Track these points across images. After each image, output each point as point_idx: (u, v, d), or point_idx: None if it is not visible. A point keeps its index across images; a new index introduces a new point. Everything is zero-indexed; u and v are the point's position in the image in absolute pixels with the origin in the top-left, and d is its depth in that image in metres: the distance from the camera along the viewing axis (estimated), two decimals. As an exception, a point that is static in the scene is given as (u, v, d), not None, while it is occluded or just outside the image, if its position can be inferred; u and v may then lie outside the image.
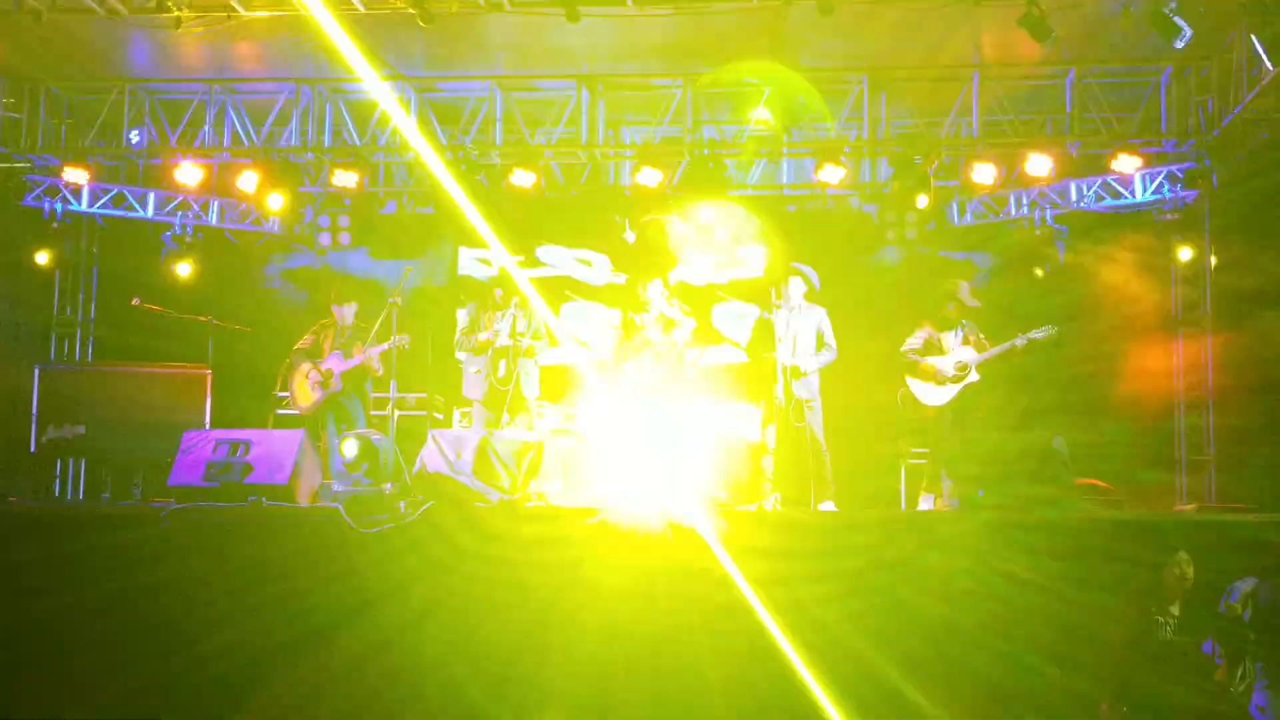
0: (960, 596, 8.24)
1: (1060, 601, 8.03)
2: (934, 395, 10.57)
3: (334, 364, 11.03)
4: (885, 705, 8.01)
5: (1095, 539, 8.24)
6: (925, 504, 10.41)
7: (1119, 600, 7.00)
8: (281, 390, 12.19)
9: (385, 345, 10.63)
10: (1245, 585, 7.59)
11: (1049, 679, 7.94)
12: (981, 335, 10.62)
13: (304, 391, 11.21)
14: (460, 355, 11.28)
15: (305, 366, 11.20)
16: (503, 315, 10.97)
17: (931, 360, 10.55)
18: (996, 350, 10.49)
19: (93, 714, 7.98)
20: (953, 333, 10.59)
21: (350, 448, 8.87)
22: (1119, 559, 7.90)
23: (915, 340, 10.74)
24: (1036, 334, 10.48)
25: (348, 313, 11.23)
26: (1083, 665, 7.76)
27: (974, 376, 10.45)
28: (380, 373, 10.84)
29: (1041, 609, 8.11)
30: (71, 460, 14.21)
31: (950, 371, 10.43)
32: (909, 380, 10.75)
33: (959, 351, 10.52)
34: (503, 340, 10.83)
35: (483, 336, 10.86)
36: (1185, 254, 13.30)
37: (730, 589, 8.04)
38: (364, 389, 11.14)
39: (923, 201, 12.77)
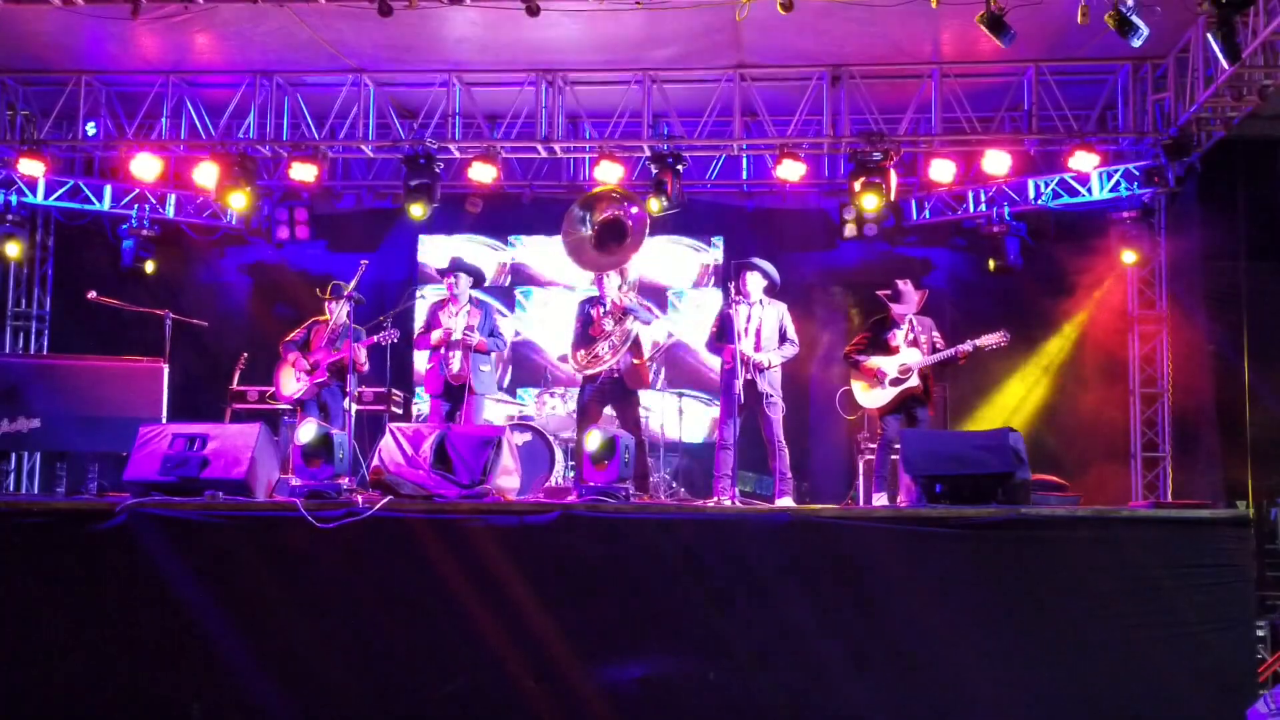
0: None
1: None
2: (872, 397, 10.46)
3: (320, 356, 11.02)
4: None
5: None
6: (879, 500, 10.41)
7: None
8: (239, 384, 12.14)
9: (373, 339, 10.62)
10: None
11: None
12: (935, 334, 10.53)
13: (289, 382, 11.20)
14: (418, 349, 11.23)
15: (293, 357, 11.18)
16: (456, 310, 10.93)
17: (875, 361, 10.44)
18: (941, 356, 10.32)
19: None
20: (899, 330, 10.48)
21: (307, 431, 8.79)
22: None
23: (861, 340, 10.66)
24: (986, 340, 10.27)
25: (341, 310, 11.13)
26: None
27: (915, 381, 10.36)
28: (365, 368, 10.83)
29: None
30: (26, 454, 14.14)
31: (892, 373, 10.36)
32: (852, 380, 10.69)
33: (905, 353, 10.41)
34: (456, 334, 10.79)
35: (439, 332, 10.81)
36: (1134, 255, 13.39)
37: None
38: (346, 383, 11.06)
39: (870, 202, 12.82)
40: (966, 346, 10.31)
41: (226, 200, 13.49)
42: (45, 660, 7.85)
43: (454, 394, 10.82)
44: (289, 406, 11.40)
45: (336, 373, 11.03)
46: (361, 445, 10.65)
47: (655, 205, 12.61)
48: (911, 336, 10.43)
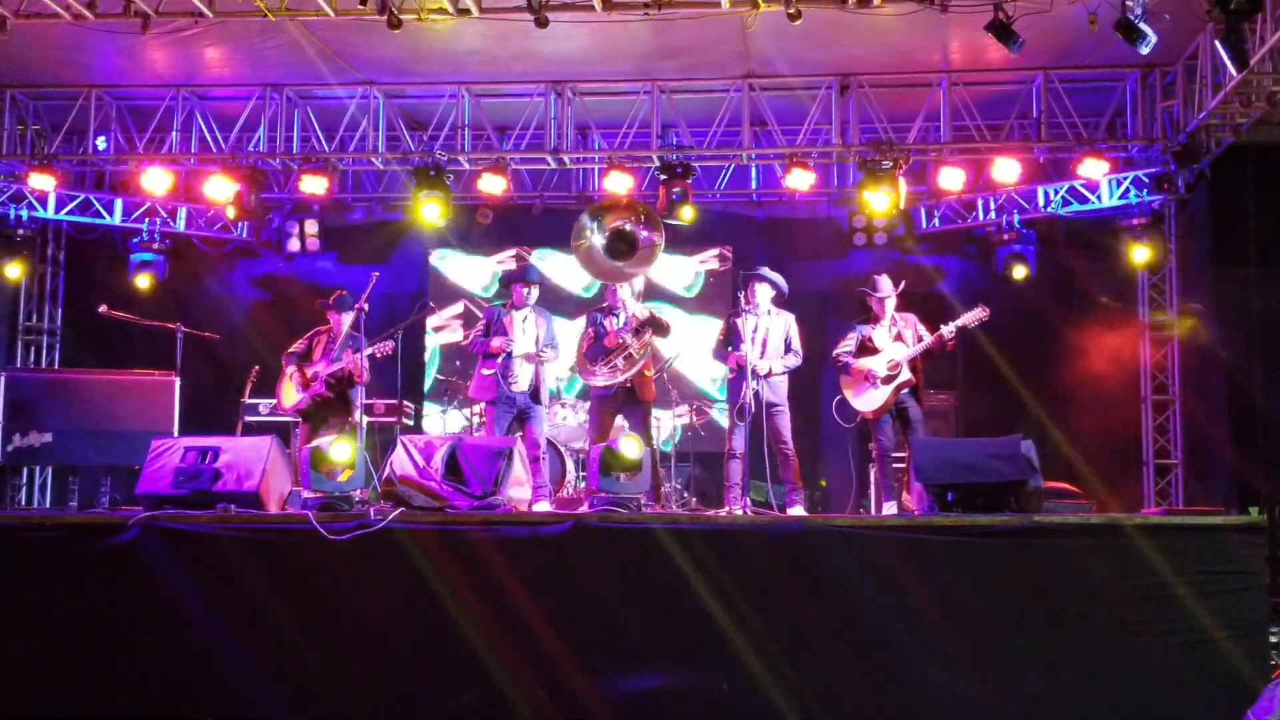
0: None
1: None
2: (866, 400, 10.44)
3: (320, 367, 10.99)
4: None
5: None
6: (888, 508, 10.39)
7: None
8: (251, 396, 12.14)
9: (370, 350, 10.54)
10: None
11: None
12: (920, 327, 10.46)
13: (289, 394, 11.15)
14: (477, 352, 11.01)
15: (292, 369, 11.14)
16: (522, 319, 10.78)
17: (865, 362, 10.42)
18: (925, 344, 10.30)
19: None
20: (882, 329, 10.46)
21: (342, 450, 8.78)
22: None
23: (847, 344, 10.58)
24: (967, 319, 10.25)
25: (344, 321, 11.07)
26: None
27: (905, 374, 10.33)
28: (367, 380, 10.75)
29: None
30: (38, 468, 14.16)
31: (882, 372, 10.34)
32: (843, 387, 10.66)
33: (891, 349, 10.39)
34: (523, 348, 10.64)
35: (498, 340, 10.64)
36: (1144, 262, 13.35)
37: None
38: (348, 395, 11.01)
39: (878, 202, 12.78)
40: (950, 329, 10.25)
41: (236, 213, 13.55)
42: (57, 674, 7.86)
43: (514, 402, 10.73)
44: (293, 419, 11.36)
45: (338, 383, 10.94)
46: (372, 457, 10.62)
47: (688, 213, 12.72)
48: (895, 331, 10.43)
